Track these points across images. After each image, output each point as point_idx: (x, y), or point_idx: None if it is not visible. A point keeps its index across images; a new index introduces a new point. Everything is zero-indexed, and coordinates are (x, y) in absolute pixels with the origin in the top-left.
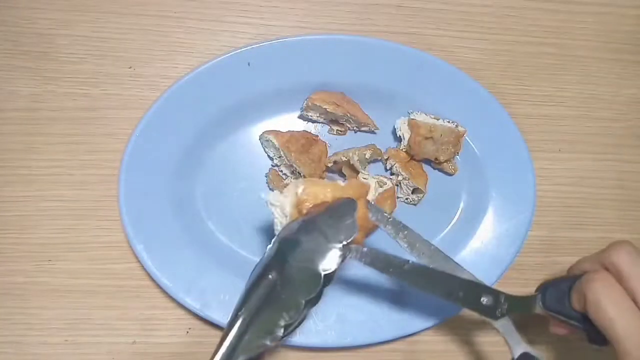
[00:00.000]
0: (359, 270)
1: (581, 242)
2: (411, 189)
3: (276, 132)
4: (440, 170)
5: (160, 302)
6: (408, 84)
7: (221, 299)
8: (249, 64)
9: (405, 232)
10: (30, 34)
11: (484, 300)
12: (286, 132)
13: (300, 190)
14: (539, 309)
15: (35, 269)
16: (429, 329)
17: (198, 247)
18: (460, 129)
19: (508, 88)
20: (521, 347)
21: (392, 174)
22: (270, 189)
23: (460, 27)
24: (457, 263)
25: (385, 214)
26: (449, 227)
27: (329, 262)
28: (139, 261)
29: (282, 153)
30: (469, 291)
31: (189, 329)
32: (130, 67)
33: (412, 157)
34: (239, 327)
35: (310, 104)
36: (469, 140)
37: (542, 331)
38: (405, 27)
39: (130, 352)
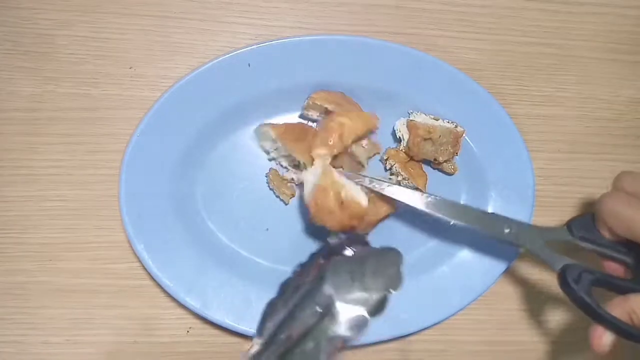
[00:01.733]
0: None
1: None
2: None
3: (272, 125)
4: (440, 170)
5: (161, 301)
6: (408, 85)
7: (221, 299)
8: (249, 65)
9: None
10: (30, 34)
11: (507, 230)
12: (282, 124)
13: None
14: (568, 236)
15: (36, 268)
16: (428, 329)
17: (198, 247)
18: (459, 129)
19: (508, 88)
20: (562, 261)
21: (392, 174)
22: (270, 189)
23: (460, 27)
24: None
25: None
26: (449, 226)
27: (376, 308)
28: (139, 261)
29: (279, 144)
30: (490, 222)
31: (190, 328)
32: (130, 67)
33: (411, 158)
34: (279, 344)
35: (311, 103)
36: (468, 140)
37: None
38: (405, 27)
39: (130, 352)
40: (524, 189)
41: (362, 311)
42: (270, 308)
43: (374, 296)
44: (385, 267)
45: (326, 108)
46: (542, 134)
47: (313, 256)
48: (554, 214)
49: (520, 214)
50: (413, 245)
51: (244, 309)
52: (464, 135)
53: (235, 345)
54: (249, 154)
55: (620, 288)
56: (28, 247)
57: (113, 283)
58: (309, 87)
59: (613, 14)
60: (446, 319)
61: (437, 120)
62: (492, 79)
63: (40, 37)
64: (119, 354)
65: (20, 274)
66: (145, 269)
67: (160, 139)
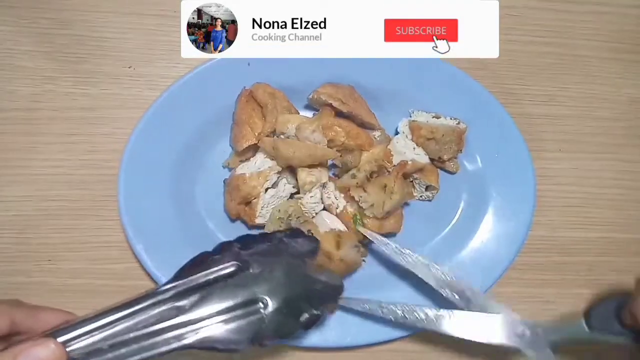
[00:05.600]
0: (358, 271)
1: (581, 241)
2: (424, 186)
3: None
4: (442, 168)
5: None
6: (408, 84)
7: None
8: (248, 64)
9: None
10: (31, 34)
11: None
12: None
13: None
14: (583, 333)
15: (35, 268)
16: (428, 330)
17: (198, 248)
18: (461, 126)
19: (508, 88)
20: None
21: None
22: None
23: None
24: None
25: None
26: (449, 226)
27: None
28: (138, 261)
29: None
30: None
31: None
32: (130, 67)
33: None
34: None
35: (316, 96)
36: (469, 140)
37: None
38: None
39: None
40: (525, 189)
41: (295, 321)
42: (181, 273)
43: (311, 312)
44: (327, 291)
45: (331, 104)
46: (543, 134)
47: (228, 244)
48: (555, 214)
49: (520, 213)
50: (413, 246)
51: None
52: (466, 131)
53: None
54: None
55: None
56: (27, 247)
57: (112, 283)
58: (309, 86)
59: (615, 14)
60: None
61: (438, 118)
62: (492, 78)
63: (40, 37)
64: None
65: (19, 274)
66: (144, 269)
67: (159, 139)
